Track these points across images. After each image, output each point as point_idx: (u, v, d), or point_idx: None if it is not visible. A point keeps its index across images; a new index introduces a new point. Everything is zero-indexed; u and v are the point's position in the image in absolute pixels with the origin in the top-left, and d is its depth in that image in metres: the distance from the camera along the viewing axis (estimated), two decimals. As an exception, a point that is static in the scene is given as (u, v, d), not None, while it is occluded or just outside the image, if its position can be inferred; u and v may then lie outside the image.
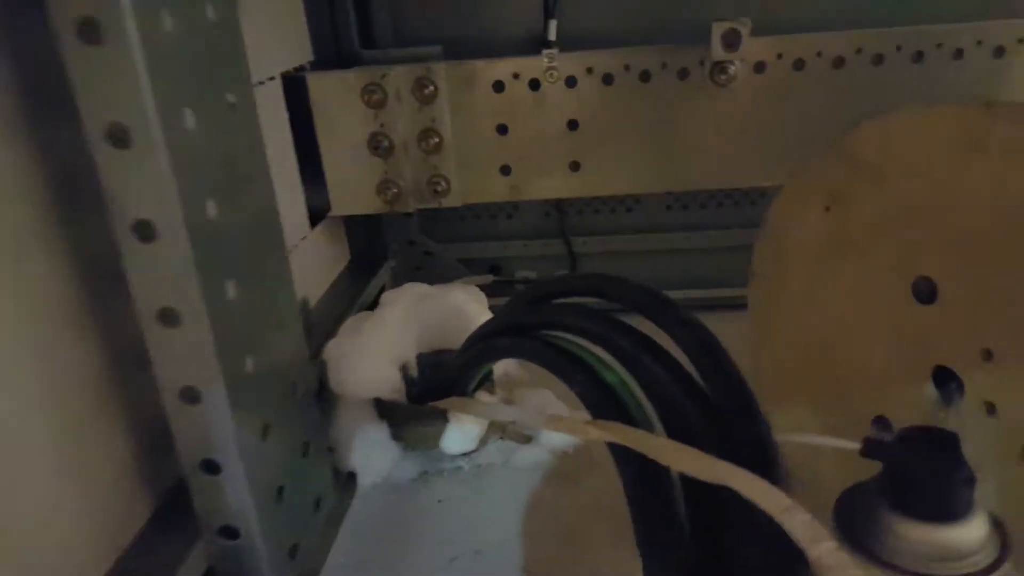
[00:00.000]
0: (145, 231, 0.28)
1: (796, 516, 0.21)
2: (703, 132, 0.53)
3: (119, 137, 0.26)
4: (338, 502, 0.44)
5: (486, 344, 0.42)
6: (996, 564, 0.22)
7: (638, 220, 0.64)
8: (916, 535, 0.22)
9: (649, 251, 0.64)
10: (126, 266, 0.29)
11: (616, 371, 0.33)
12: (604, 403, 0.31)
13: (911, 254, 0.32)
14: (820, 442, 0.26)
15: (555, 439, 0.48)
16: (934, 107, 0.30)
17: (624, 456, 0.28)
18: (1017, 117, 0.28)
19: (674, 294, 0.63)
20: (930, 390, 0.33)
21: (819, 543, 0.21)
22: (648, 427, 0.31)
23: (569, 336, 0.36)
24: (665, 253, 0.64)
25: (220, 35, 0.31)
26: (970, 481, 0.22)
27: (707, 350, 0.29)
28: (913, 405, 0.33)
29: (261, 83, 0.47)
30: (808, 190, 0.35)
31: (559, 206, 0.64)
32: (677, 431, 0.28)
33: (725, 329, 0.42)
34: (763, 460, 0.24)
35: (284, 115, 0.51)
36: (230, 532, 0.34)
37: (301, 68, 0.55)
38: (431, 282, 0.58)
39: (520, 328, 0.39)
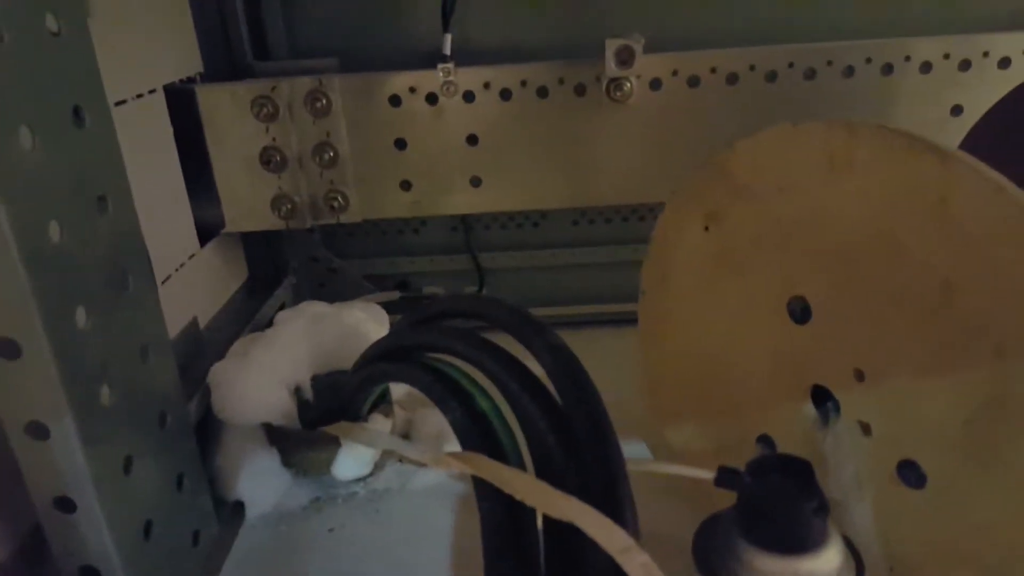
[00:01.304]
0: (-27, 258, 0.26)
1: (635, 557, 0.20)
2: (602, 148, 0.53)
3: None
4: (222, 534, 0.42)
5: (372, 367, 0.41)
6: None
7: (545, 235, 0.64)
8: (769, 567, 0.21)
9: (556, 266, 0.64)
10: (-44, 296, 0.27)
11: (489, 398, 0.33)
12: (473, 432, 0.31)
13: (786, 273, 0.32)
14: (677, 471, 0.26)
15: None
16: (801, 126, 0.30)
17: (483, 490, 0.27)
18: (878, 139, 0.28)
19: (581, 309, 0.64)
20: (809, 410, 0.33)
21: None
22: (516, 457, 0.31)
23: (449, 360, 0.35)
24: (572, 268, 0.64)
25: (66, 49, 0.29)
26: (822, 510, 0.22)
27: (569, 376, 0.29)
28: (794, 424, 0.34)
29: (140, 96, 0.45)
30: (687, 208, 0.35)
31: (465, 221, 0.63)
32: (541, 460, 0.27)
33: (631, 343, 0.43)
34: (612, 494, 0.23)
35: (168, 128, 0.49)
36: (91, 573, 0.32)
37: (191, 80, 0.52)
38: (336, 300, 0.56)
39: (404, 351, 0.38)
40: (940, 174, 0.27)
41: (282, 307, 0.59)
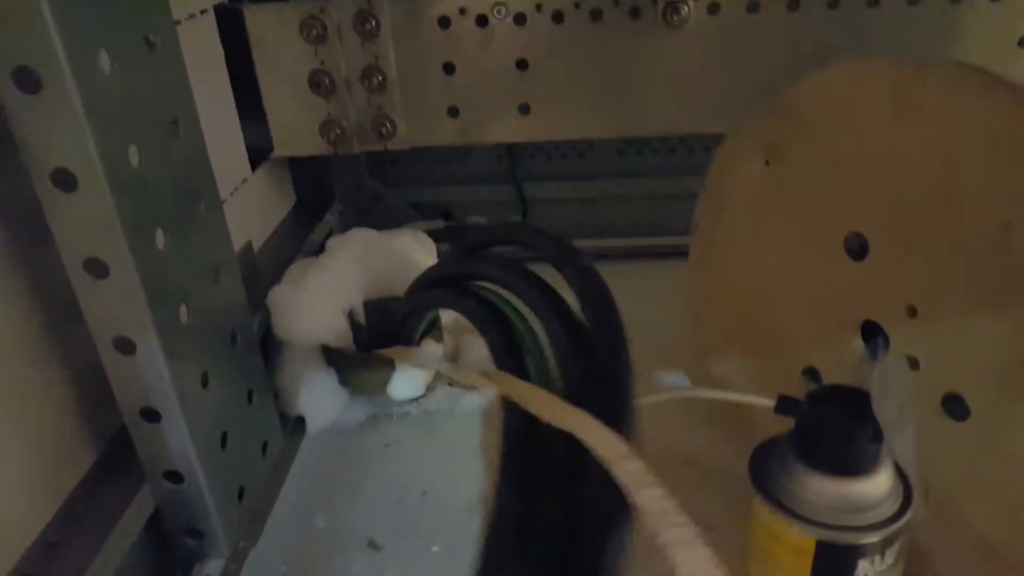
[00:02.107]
0: (65, 180, 0.27)
1: (629, 464, 0.21)
2: (655, 76, 0.52)
3: (28, 81, 0.25)
4: (286, 446, 0.44)
5: (424, 294, 0.42)
6: (898, 514, 0.23)
7: (591, 166, 0.64)
8: (824, 488, 0.23)
9: (601, 197, 0.64)
10: (49, 217, 0.28)
11: (525, 322, 0.35)
12: (506, 354, 0.33)
13: (845, 210, 0.33)
14: (736, 398, 0.27)
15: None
16: (869, 63, 0.30)
17: (507, 405, 0.29)
18: (949, 79, 0.28)
19: (626, 242, 0.65)
20: (857, 344, 0.34)
21: (643, 489, 0.21)
22: (544, 376, 0.33)
23: (492, 287, 0.37)
24: (617, 200, 0.64)
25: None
26: (877, 438, 0.23)
27: (594, 298, 0.31)
28: (841, 358, 0.35)
29: (192, 16, 0.45)
30: (749, 142, 0.35)
31: (511, 150, 0.63)
32: (567, 379, 0.29)
33: (674, 276, 0.43)
34: (619, 409, 0.25)
35: (219, 50, 0.49)
36: (174, 476, 0.34)
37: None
38: (380, 227, 0.57)
39: (452, 278, 0.40)
40: (1013, 113, 0.27)
41: (330, 233, 0.60)
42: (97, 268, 0.29)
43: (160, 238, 0.31)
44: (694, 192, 0.64)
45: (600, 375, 0.29)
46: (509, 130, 0.55)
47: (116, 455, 0.36)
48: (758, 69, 0.51)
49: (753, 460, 0.24)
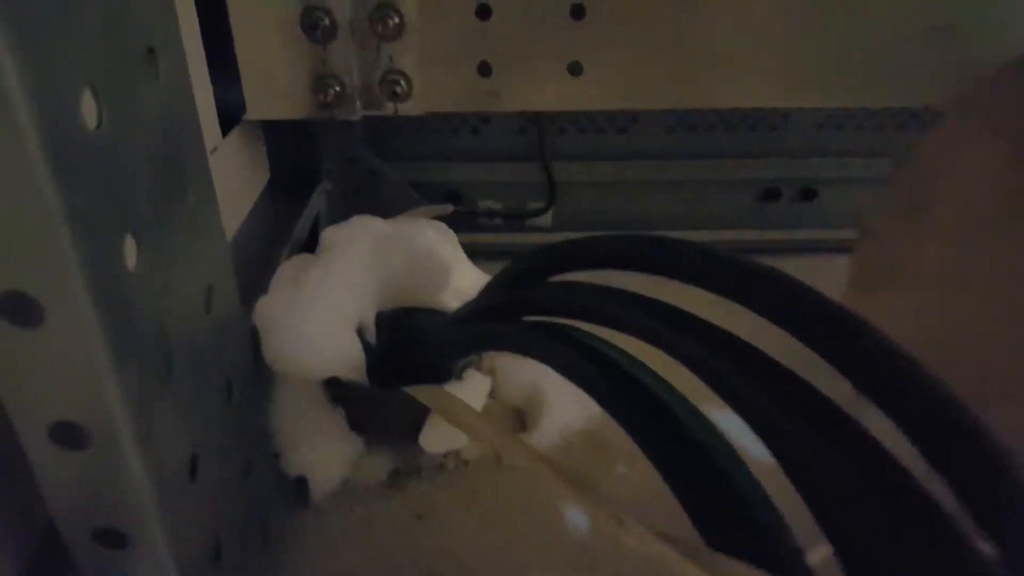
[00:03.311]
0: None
1: None
2: (739, 35, 0.42)
3: None
4: (286, 523, 0.32)
5: (485, 328, 0.30)
6: None
7: (633, 143, 0.53)
8: None
9: (646, 182, 0.53)
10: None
11: (674, 390, 0.24)
12: (664, 441, 0.22)
13: None
14: None
15: (567, 419, 0.38)
16: None
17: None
18: None
19: (682, 234, 0.54)
20: None
21: None
22: (727, 452, 0.22)
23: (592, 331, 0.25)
24: (666, 185, 0.54)
25: None
26: None
27: (879, 360, 0.19)
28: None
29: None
30: (984, 125, 0.25)
31: (539, 121, 0.52)
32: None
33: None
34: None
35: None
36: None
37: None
38: (375, 211, 0.45)
39: (524, 306, 0.28)
40: None
41: (316, 219, 0.48)
42: (24, 311, 0.16)
43: (131, 251, 0.18)
44: (760, 177, 0.55)
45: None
46: (554, 95, 0.44)
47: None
48: (870, 28, 0.41)
49: None
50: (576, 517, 0.33)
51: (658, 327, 0.23)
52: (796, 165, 0.53)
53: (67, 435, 0.18)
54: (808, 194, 0.54)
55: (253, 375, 0.27)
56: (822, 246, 0.54)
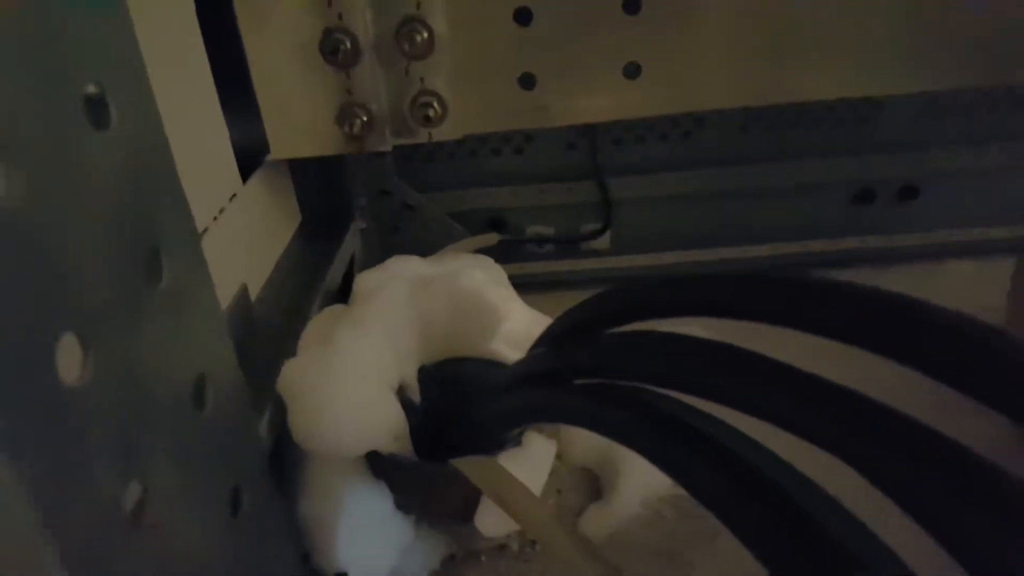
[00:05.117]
0: None
1: None
2: (823, 14, 0.36)
3: None
4: (322, 630, 0.27)
5: (531, 399, 0.25)
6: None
7: (700, 149, 0.47)
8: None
9: (717, 193, 0.47)
10: None
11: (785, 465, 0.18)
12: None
13: None
14: None
15: (650, 483, 0.32)
16: None
17: None
18: None
19: (759, 250, 0.48)
20: None
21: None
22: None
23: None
24: (740, 194, 0.48)
25: None
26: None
27: None
28: None
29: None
30: None
31: (590, 133, 0.47)
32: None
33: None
34: None
35: (190, 5, 0.31)
36: None
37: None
38: (414, 247, 0.41)
39: (579, 368, 0.22)
40: None
41: (351, 262, 0.43)
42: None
43: (69, 357, 0.14)
44: (848, 179, 0.49)
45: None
46: (609, 103, 0.38)
47: None
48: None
49: None
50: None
51: (755, 393, 0.18)
52: (893, 161, 0.46)
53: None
54: (908, 193, 0.47)
55: (268, 474, 0.23)
56: (927, 252, 0.47)
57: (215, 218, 0.33)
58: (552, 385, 0.24)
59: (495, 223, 0.50)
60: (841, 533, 0.17)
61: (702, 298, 0.20)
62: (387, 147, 0.39)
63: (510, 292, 0.37)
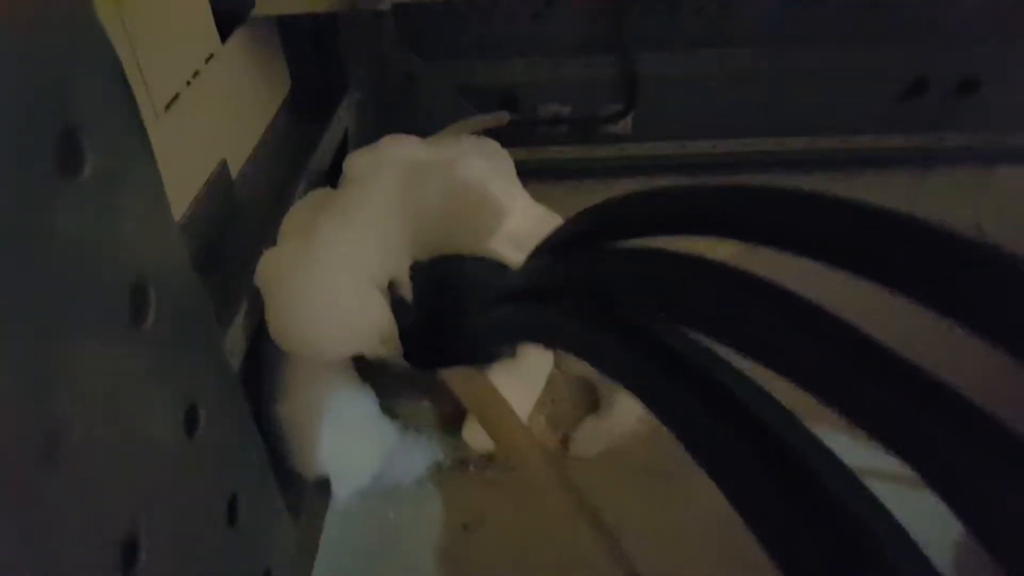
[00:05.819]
0: None
1: None
2: None
3: None
4: (302, 534, 0.26)
5: (525, 317, 0.22)
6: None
7: (739, 24, 0.42)
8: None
9: (754, 74, 0.42)
10: None
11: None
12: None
13: None
14: None
15: (637, 408, 0.30)
16: None
17: None
18: None
19: (795, 142, 0.44)
20: None
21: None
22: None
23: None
24: (780, 78, 0.43)
25: None
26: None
27: None
28: None
29: None
30: None
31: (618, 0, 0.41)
32: None
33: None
34: None
35: None
36: None
37: None
38: (416, 124, 0.37)
39: (579, 287, 0.20)
40: None
41: (344, 139, 0.40)
42: None
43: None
44: (901, 68, 0.43)
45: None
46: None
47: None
48: None
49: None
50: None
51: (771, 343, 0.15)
52: (953, 51, 0.41)
53: None
54: (967, 86, 0.42)
55: (234, 395, 0.20)
56: (981, 153, 0.42)
57: (188, 83, 0.29)
58: (547, 303, 0.21)
59: (506, 100, 0.46)
60: (836, 485, 0.15)
61: (739, 216, 0.16)
62: (385, 5, 0.34)
63: (515, 187, 0.34)
